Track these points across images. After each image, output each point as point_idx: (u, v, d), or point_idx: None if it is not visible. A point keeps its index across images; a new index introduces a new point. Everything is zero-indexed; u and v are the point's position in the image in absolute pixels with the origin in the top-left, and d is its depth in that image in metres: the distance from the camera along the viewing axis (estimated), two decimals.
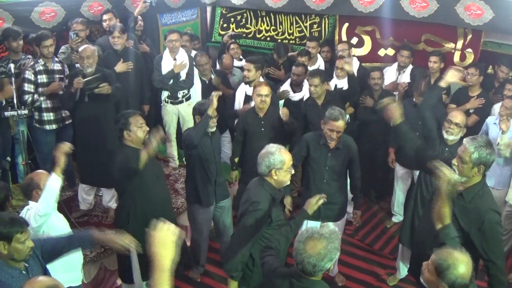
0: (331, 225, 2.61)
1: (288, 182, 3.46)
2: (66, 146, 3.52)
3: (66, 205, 4.92)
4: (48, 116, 5.15)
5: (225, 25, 7.98)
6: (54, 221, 3.44)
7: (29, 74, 4.95)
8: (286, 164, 3.33)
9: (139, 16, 6.32)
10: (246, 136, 5.08)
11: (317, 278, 2.58)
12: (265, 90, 4.91)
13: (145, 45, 6.39)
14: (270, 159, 3.30)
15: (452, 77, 4.08)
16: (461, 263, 2.45)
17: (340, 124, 4.20)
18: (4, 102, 4.83)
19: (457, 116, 4.25)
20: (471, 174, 3.13)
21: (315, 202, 3.39)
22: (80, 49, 4.92)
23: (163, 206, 4.18)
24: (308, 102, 5.43)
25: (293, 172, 3.42)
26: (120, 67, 5.48)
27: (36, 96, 4.99)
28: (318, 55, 6.63)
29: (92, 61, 4.88)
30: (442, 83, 4.13)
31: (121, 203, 4.19)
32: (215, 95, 4.43)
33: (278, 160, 3.30)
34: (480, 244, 3.15)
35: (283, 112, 4.90)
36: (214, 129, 4.57)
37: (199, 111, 4.50)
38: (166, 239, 2.10)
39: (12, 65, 4.72)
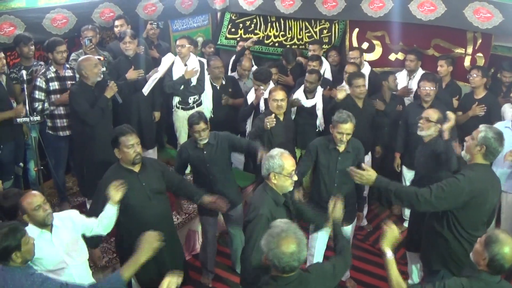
0: (277, 221, 2.68)
1: (290, 188, 3.38)
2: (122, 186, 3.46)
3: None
4: (62, 122, 5.18)
5: (233, 29, 7.99)
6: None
7: (40, 82, 4.98)
8: (285, 169, 3.27)
9: (154, 23, 6.42)
10: (265, 137, 4.95)
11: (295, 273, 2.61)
12: (280, 94, 4.94)
13: (155, 51, 6.42)
14: (270, 162, 3.27)
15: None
16: (509, 245, 2.62)
17: (349, 126, 4.21)
18: None
19: (428, 112, 4.46)
20: (474, 151, 3.48)
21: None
22: (83, 58, 4.85)
23: (159, 223, 3.78)
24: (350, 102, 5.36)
25: (295, 178, 3.35)
26: (131, 74, 5.49)
27: (46, 104, 5.02)
28: (323, 59, 6.61)
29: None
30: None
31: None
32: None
33: (277, 164, 3.25)
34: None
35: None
36: (206, 141, 4.40)
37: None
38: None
39: (24, 72, 4.74)
